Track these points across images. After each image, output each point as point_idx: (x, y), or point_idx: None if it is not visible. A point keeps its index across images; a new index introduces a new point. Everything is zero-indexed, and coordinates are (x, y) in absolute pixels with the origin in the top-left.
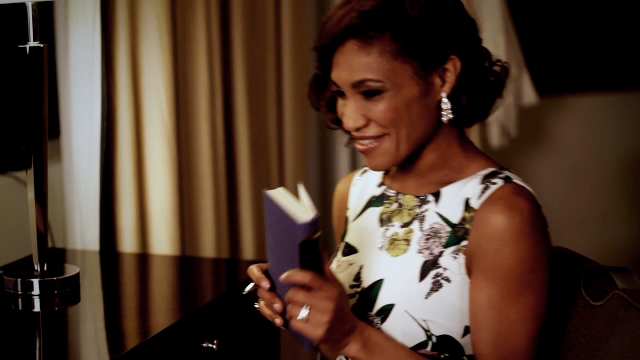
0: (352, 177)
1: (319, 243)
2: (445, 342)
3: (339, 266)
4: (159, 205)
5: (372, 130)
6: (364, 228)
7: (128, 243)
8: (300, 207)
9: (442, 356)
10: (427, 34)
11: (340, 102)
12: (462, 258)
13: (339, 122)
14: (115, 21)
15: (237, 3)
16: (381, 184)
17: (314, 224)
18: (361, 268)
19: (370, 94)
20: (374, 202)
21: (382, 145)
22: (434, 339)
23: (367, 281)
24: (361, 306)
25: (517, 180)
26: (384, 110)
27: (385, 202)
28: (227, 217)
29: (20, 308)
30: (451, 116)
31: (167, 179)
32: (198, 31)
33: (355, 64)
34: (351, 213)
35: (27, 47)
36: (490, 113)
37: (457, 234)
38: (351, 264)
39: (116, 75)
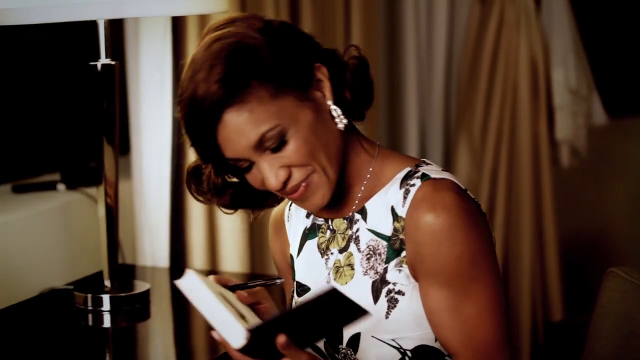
0: (282, 212)
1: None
2: (421, 352)
3: None
4: (228, 222)
5: (297, 175)
6: (308, 263)
7: (198, 260)
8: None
9: None
10: (286, 64)
11: (251, 174)
12: (405, 268)
13: (240, 201)
14: (185, 39)
15: (307, 17)
16: (308, 214)
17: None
18: None
19: (276, 144)
20: (308, 234)
21: (312, 183)
22: (409, 354)
23: None
24: (331, 341)
25: (433, 173)
26: (296, 148)
27: (318, 231)
28: None
29: (90, 323)
30: (345, 121)
31: None
32: None
33: (244, 128)
34: (293, 250)
35: (99, 64)
36: (373, 96)
37: (394, 247)
38: None
39: None
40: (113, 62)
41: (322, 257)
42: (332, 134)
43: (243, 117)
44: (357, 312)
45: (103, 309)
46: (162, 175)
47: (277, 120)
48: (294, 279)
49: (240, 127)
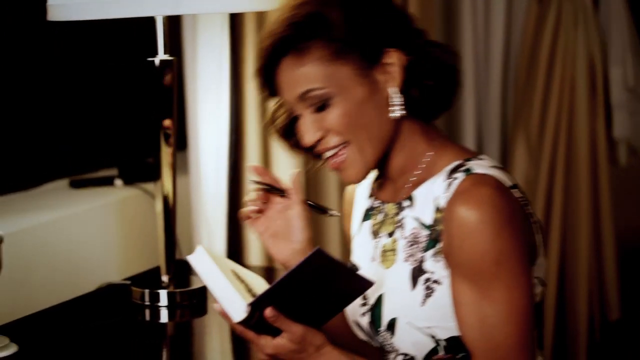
0: (354, 188)
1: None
2: (454, 343)
3: None
4: None
5: (332, 141)
6: (362, 244)
7: (254, 256)
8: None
9: (458, 356)
10: (356, 33)
11: (298, 125)
12: (441, 259)
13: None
14: (243, 35)
15: None
16: (370, 195)
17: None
18: None
19: (319, 105)
20: (365, 215)
21: (347, 157)
22: (443, 343)
23: (372, 297)
24: (372, 323)
25: (479, 168)
26: (337, 116)
27: (374, 213)
28: None
29: (147, 319)
30: (404, 112)
31: None
32: None
33: (295, 78)
34: (354, 229)
35: (156, 60)
36: (451, 101)
37: (432, 236)
38: None
39: (244, 89)
40: (171, 58)
41: (374, 239)
42: (380, 118)
43: (295, 68)
44: (348, 276)
45: (160, 304)
46: (220, 171)
47: (324, 83)
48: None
49: (291, 77)
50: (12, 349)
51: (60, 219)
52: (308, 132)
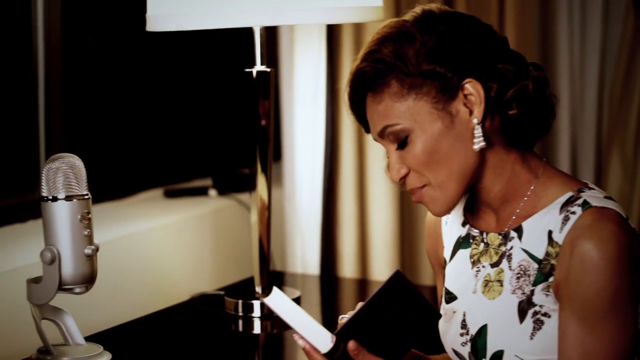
0: (437, 218)
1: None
2: None
3: (445, 314)
4: (380, 231)
5: (412, 182)
6: (458, 272)
7: (348, 267)
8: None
9: None
10: (432, 68)
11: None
12: (551, 293)
13: None
14: (340, 47)
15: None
16: (464, 223)
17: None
18: (464, 314)
19: (399, 141)
20: (462, 242)
21: (427, 195)
22: None
23: (473, 328)
24: (475, 353)
25: (595, 201)
26: (416, 154)
27: (472, 242)
28: None
29: (240, 329)
30: (483, 143)
31: (388, 205)
32: None
33: (375, 114)
34: (446, 254)
35: (254, 70)
36: (543, 129)
37: (543, 270)
38: (454, 312)
39: (340, 100)
40: (268, 69)
41: (472, 267)
42: (461, 151)
43: (375, 104)
44: (421, 303)
45: (253, 315)
46: (315, 182)
47: (400, 119)
48: (444, 283)
49: (372, 113)
50: (106, 357)
51: (154, 229)
52: (393, 170)
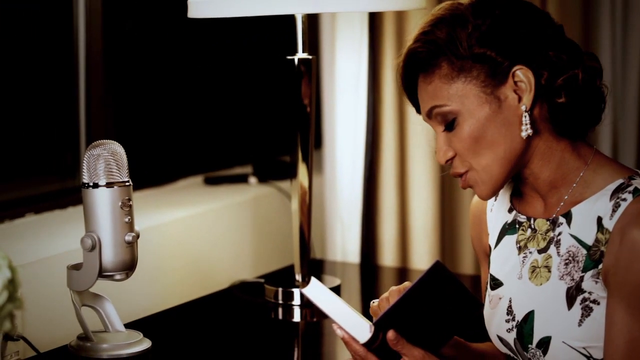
0: (482, 203)
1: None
2: None
3: (491, 301)
4: (420, 219)
5: (457, 166)
6: (504, 258)
7: (388, 256)
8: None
9: None
10: (483, 52)
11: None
12: (600, 280)
13: None
14: (382, 35)
15: None
16: (510, 209)
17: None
18: (510, 300)
19: (446, 122)
20: (508, 229)
21: (471, 179)
22: None
23: (519, 314)
24: (521, 339)
25: None
26: (463, 137)
27: (518, 228)
28: None
29: (280, 317)
30: (530, 131)
31: (429, 193)
32: None
33: (425, 95)
34: (491, 241)
35: (296, 58)
36: (594, 118)
37: (593, 257)
38: (500, 298)
39: (382, 89)
40: (310, 57)
41: (519, 254)
42: (507, 137)
43: (425, 84)
44: (462, 293)
45: (293, 303)
46: (355, 171)
47: (447, 101)
48: (489, 270)
49: (422, 93)
50: (146, 344)
51: (194, 216)
52: (440, 152)
